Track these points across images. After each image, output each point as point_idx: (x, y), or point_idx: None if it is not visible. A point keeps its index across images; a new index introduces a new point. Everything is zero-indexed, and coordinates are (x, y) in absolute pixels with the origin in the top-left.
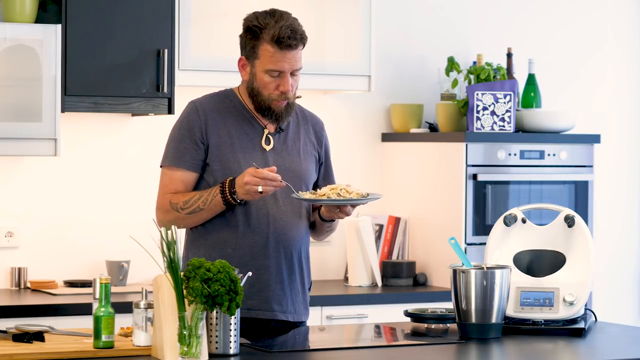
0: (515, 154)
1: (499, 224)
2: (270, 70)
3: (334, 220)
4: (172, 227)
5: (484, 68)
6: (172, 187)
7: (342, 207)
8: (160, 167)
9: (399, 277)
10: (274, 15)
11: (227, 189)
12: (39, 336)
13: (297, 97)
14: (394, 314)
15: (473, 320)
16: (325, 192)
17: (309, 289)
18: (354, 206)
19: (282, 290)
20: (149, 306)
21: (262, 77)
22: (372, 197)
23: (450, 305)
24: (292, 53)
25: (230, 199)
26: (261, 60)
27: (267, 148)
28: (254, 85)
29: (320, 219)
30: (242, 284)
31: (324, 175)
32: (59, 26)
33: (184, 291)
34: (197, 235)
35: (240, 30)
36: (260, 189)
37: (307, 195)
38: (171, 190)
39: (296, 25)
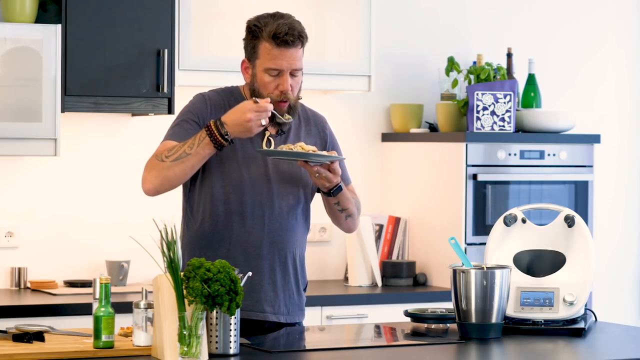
0: (515, 154)
1: (499, 224)
2: (268, 68)
3: (331, 195)
4: (172, 226)
5: (484, 68)
6: (163, 151)
7: (320, 171)
8: None
9: (399, 277)
10: (275, 16)
11: (215, 130)
12: (39, 336)
13: (298, 99)
14: (394, 314)
15: (473, 320)
16: (280, 147)
17: (305, 289)
18: (332, 170)
19: (274, 292)
20: (149, 306)
21: (261, 77)
22: (331, 157)
23: (450, 305)
24: (290, 51)
25: (222, 141)
26: (260, 60)
27: None
28: (254, 87)
29: (323, 194)
30: (242, 284)
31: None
32: (59, 26)
33: (184, 291)
34: (193, 235)
35: (241, 30)
36: (263, 122)
37: (265, 149)
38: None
39: (296, 25)
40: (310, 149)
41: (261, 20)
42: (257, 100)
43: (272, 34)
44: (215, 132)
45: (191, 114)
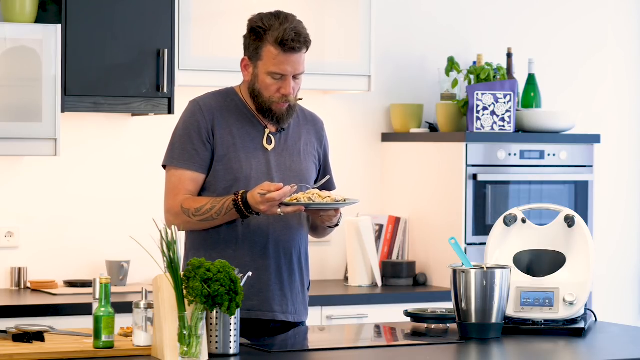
0: (515, 154)
1: (499, 224)
2: (272, 72)
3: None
4: (172, 227)
5: (484, 68)
6: (182, 189)
7: (324, 213)
8: (164, 166)
9: (399, 277)
10: (279, 17)
11: (241, 204)
12: (39, 336)
13: (299, 100)
14: (394, 314)
15: (473, 320)
16: (297, 197)
17: (308, 288)
18: (337, 212)
19: (281, 291)
20: (149, 306)
21: (264, 79)
22: (348, 202)
23: (450, 305)
24: (295, 56)
25: (248, 214)
26: (264, 62)
27: (269, 148)
28: (255, 87)
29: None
30: (242, 284)
31: (323, 176)
32: (59, 26)
33: (184, 291)
34: (198, 236)
35: (241, 30)
36: (279, 211)
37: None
38: (182, 192)
39: (301, 29)
40: (325, 195)
41: (265, 21)
42: (262, 192)
43: (279, 40)
44: (242, 207)
45: (194, 132)
